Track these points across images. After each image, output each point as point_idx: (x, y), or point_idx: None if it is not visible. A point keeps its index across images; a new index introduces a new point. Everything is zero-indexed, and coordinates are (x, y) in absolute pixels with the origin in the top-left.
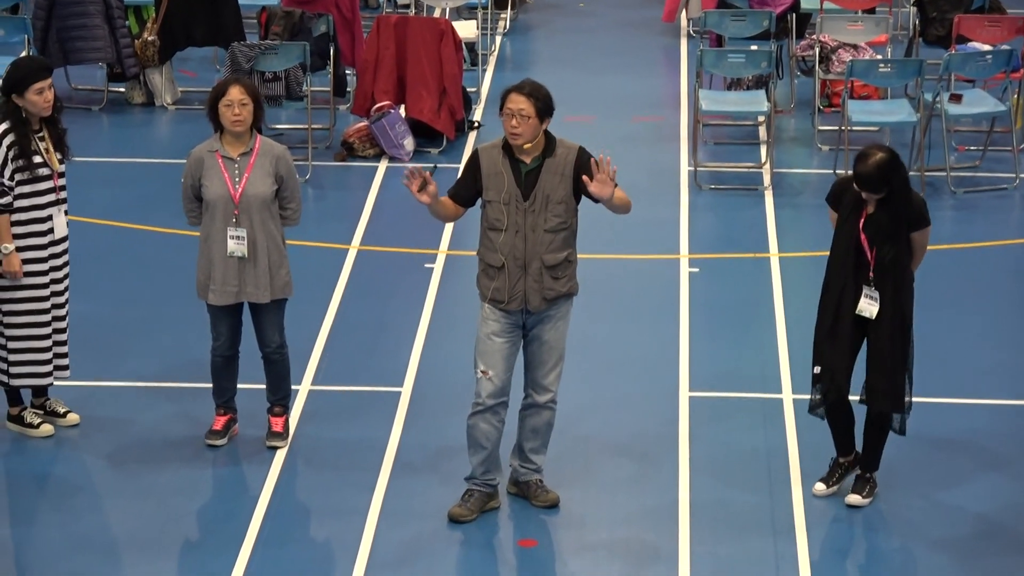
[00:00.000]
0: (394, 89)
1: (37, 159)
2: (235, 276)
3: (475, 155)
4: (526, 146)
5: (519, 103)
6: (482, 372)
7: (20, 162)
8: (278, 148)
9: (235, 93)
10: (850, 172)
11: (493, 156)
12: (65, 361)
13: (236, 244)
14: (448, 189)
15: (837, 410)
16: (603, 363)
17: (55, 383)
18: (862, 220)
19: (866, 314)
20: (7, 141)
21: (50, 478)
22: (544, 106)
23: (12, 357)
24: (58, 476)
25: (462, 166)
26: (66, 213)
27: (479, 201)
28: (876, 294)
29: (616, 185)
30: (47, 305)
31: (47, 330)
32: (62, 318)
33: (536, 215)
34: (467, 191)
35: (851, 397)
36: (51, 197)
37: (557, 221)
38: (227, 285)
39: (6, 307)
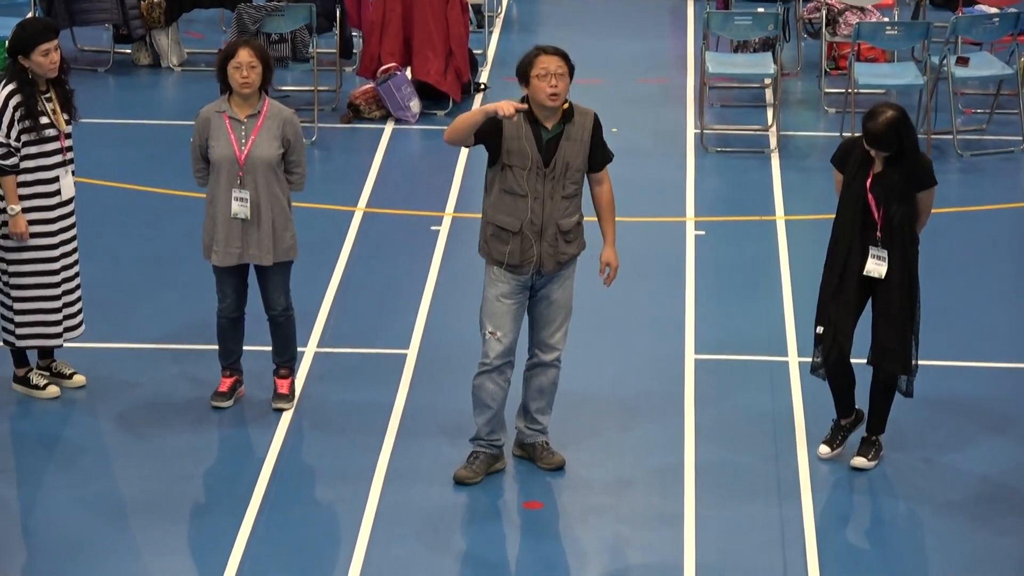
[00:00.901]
0: (400, 51)
1: (44, 120)
2: (238, 237)
3: (496, 118)
4: (564, 106)
5: (556, 63)
6: (490, 333)
7: (27, 123)
8: (286, 112)
9: (244, 55)
10: (857, 133)
11: (517, 124)
12: (76, 320)
13: (240, 206)
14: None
15: (838, 370)
16: (609, 326)
17: (66, 344)
18: (869, 180)
19: (874, 274)
20: (13, 102)
21: (56, 440)
22: (572, 65)
23: (19, 319)
24: (64, 438)
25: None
26: (73, 174)
27: (482, 157)
28: (884, 254)
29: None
30: (57, 266)
31: (57, 291)
32: (72, 278)
33: (556, 182)
34: (487, 130)
35: (854, 360)
36: (58, 158)
37: (574, 188)
38: (230, 246)
39: (13, 268)
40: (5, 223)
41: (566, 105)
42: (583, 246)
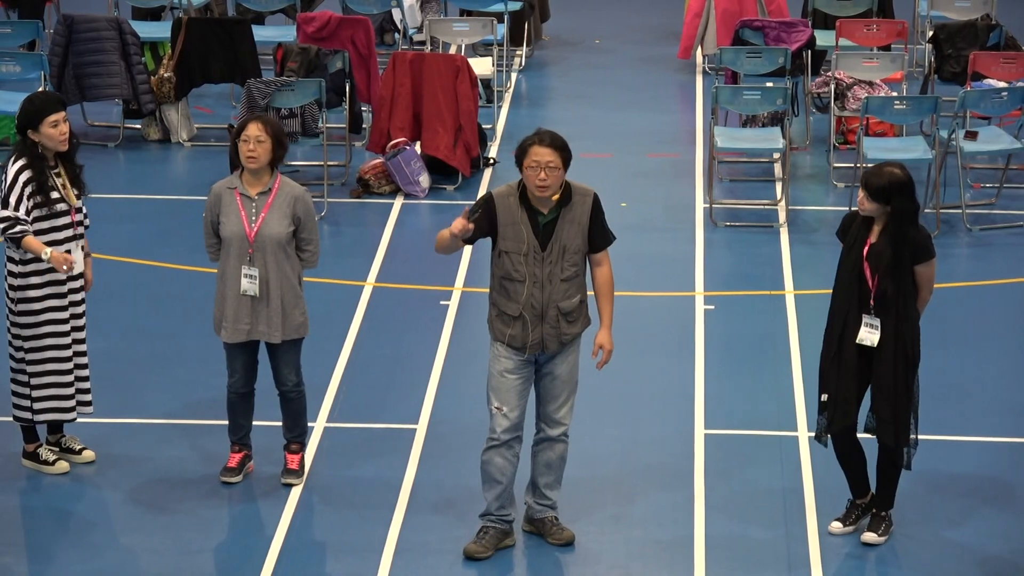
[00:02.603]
0: (410, 126)
1: (54, 195)
2: (247, 314)
3: (490, 201)
4: (554, 197)
5: (547, 155)
6: (496, 408)
7: (38, 198)
8: (298, 189)
9: (253, 130)
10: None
11: (510, 206)
12: (88, 397)
13: (249, 283)
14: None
15: (844, 442)
16: (619, 400)
17: (79, 419)
18: (866, 249)
19: (867, 343)
20: (23, 177)
21: (66, 514)
22: (568, 155)
23: (36, 393)
24: (74, 512)
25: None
26: (83, 249)
27: (480, 242)
28: (876, 322)
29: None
30: (68, 340)
31: (69, 365)
32: (83, 353)
33: (553, 265)
34: (477, 232)
35: (861, 435)
36: (68, 232)
37: (573, 270)
38: (239, 323)
39: (28, 344)
40: (22, 300)
41: (555, 196)
42: (588, 323)
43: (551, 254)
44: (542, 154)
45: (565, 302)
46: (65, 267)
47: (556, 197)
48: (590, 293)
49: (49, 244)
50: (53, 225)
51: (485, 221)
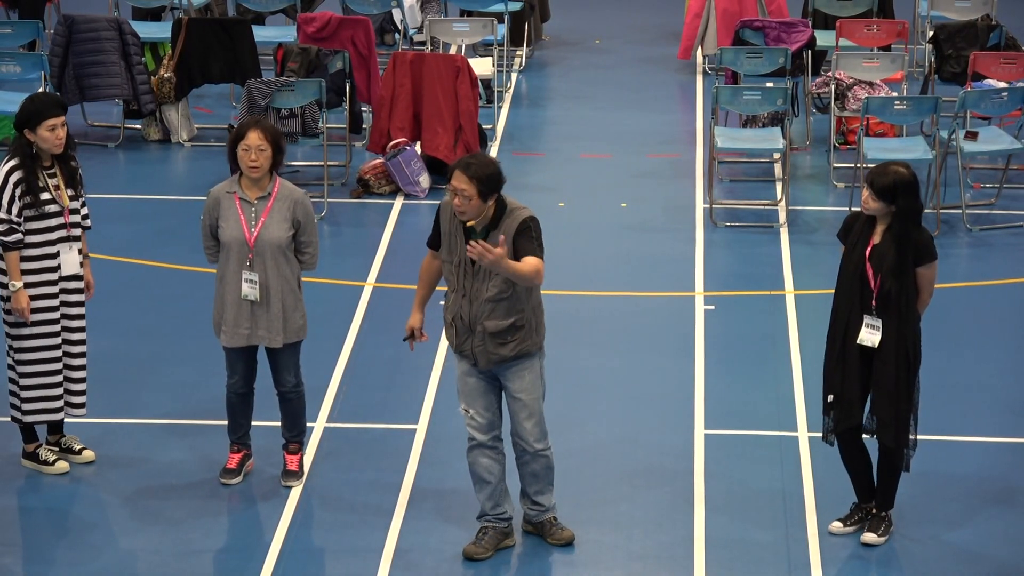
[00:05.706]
0: (410, 126)
1: (45, 196)
2: (247, 319)
3: (438, 209)
4: (469, 223)
5: (462, 183)
6: (463, 410)
7: (27, 199)
8: (297, 193)
9: (253, 138)
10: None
11: (451, 216)
12: (80, 400)
13: (249, 287)
14: (427, 239)
15: (850, 447)
16: (619, 400)
17: (68, 420)
18: (868, 250)
19: (867, 343)
20: (14, 178)
21: (65, 515)
22: (486, 188)
23: (24, 394)
24: (73, 513)
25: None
26: (80, 251)
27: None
28: (878, 323)
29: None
30: (58, 341)
31: (58, 365)
32: (80, 355)
33: (480, 282)
34: (436, 238)
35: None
36: (61, 233)
37: (496, 291)
38: (239, 327)
39: (17, 344)
40: (10, 299)
41: (470, 223)
42: (529, 348)
43: (479, 272)
44: (458, 180)
45: (491, 322)
46: (18, 311)
47: (471, 224)
48: (599, 293)
49: (40, 245)
50: (45, 226)
51: (437, 233)
